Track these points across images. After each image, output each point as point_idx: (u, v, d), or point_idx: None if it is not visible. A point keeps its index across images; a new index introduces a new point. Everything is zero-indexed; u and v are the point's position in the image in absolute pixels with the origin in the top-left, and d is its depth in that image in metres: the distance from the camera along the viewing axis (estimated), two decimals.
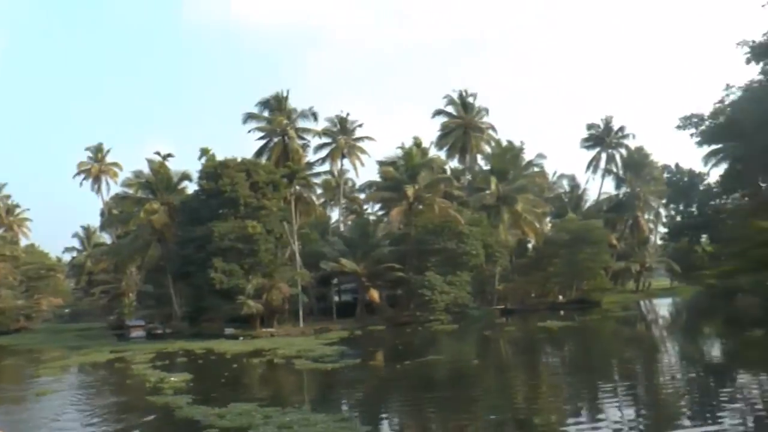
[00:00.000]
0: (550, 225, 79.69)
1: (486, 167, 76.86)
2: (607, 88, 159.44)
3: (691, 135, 47.72)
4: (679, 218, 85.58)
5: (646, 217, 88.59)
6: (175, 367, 36.95)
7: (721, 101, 21.53)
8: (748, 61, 21.02)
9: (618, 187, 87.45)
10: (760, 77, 27.65)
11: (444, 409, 22.12)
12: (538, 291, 75.80)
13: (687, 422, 17.97)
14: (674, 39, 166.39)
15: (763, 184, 49.23)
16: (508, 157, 73.80)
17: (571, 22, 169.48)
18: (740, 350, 32.91)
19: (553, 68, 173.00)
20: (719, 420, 17.58)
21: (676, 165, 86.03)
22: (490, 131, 78.63)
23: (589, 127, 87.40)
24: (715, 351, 35.14)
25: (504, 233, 68.12)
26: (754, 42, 21.09)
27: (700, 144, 50.33)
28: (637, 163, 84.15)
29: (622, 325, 55.02)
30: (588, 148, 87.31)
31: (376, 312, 62.96)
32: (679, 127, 48.41)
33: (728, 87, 21.57)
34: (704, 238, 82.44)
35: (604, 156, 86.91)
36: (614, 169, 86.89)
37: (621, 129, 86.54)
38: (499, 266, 69.15)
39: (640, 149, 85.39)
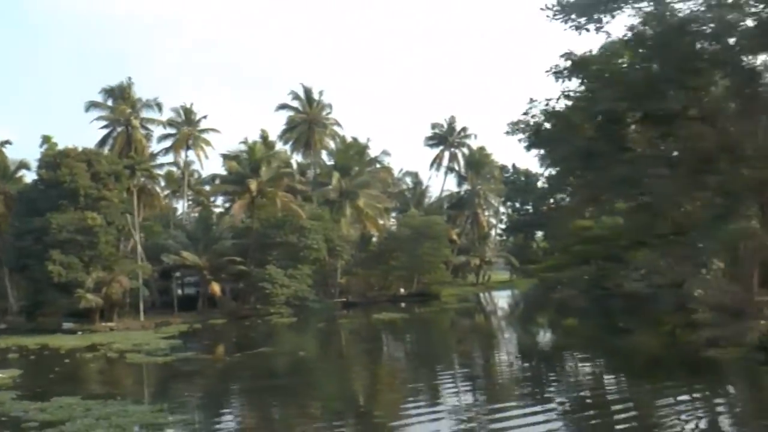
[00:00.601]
0: (393, 220, 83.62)
1: (330, 162, 79.59)
2: (453, 89, 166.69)
3: (519, 140, 52.32)
4: (515, 215, 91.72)
5: (486, 213, 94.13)
6: (5, 363, 37.12)
7: (526, 113, 24.78)
8: (556, 79, 24.43)
9: (459, 184, 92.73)
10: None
11: (265, 398, 24.09)
12: (380, 284, 79.23)
13: (519, 402, 20.33)
14: (511, 42, 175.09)
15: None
16: (351, 153, 76.74)
17: (417, 22, 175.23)
18: (561, 338, 37.07)
19: (402, 67, 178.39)
20: (547, 399, 20.60)
21: (513, 165, 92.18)
22: (335, 127, 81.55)
23: (434, 126, 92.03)
24: (545, 339, 39.00)
25: (346, 227, 71.09)
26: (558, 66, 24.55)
27: (527, 149, 55.11)
28: (478, 162, 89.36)
29: (460, 316, 59.02)
30: (432, 146, 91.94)
31: (218, 305, 64.32)
32: (507, 132, 52.86)
33: (531, 101, 24.87)
34: (539, 234, 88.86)
35: (447, 154, 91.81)
36: (456, 168, 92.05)
37: (464, 129, 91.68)
38: (341, 260, 72.01)
39: (481, 149, 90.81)
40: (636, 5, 22.07)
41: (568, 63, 24.09)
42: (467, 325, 50.87)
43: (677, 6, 21.86)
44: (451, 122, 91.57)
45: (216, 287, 62.70)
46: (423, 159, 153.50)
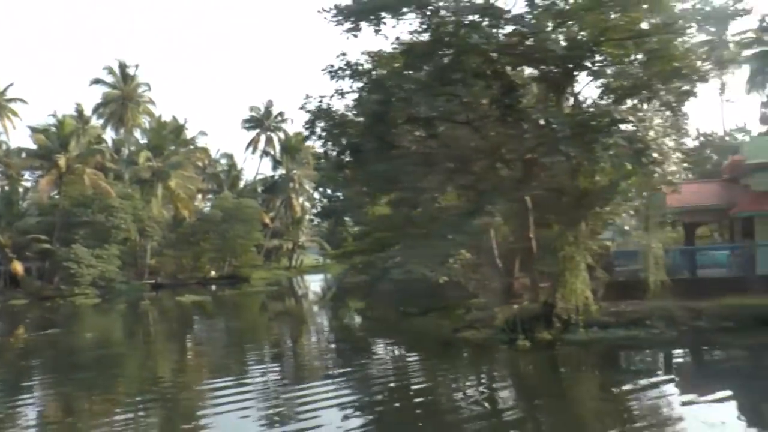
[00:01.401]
0: (208, 202, 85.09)
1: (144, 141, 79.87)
2: (272, 74, 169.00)
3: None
4: (327, 201, 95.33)
5: (300, 199, 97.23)
6: None
7: (303, 107, 27.12)
8: (331, 78, 26.77)
9: (275, 168, 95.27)
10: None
11: (47, 381, 24.48)
12: (191, 266, 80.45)
13: (323, 381, 21.12)
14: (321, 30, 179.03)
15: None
16: (165, 133, 77.47)
17: (238, 4, 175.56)
18: (362, 321, 40.14)
19: (224, 49, 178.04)
20: (348, 375, 22.38)
21: (325, 152, 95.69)
22: (149, 105, 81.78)
23: (251, 109, 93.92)
24: (348, 322, 41.54)
25: (157, 208, 72.01)
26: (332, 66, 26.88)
27: (304, 140, 57.25)
28: (293, 148, 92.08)
29: (268, 299, 61.11)
30: (248, 129, 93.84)
31: (21, 285, 63.58)
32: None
33: (307, 96, 27.31)
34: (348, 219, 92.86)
35: (263, 138, 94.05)
36: (272, 152, 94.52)
37: (280, 114, 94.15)
38: (152, 241, 72.84)
39: (297, 134, 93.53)
40: (404, 18, 25.13)
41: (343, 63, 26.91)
42: (273, 308, 53.36)
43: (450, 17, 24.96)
44: (268, 106, 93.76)
45: (18, 266, 62.02)
46: (241, 141, 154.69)
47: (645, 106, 24.59)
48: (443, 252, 26.32)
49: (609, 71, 25.11)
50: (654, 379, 20.02)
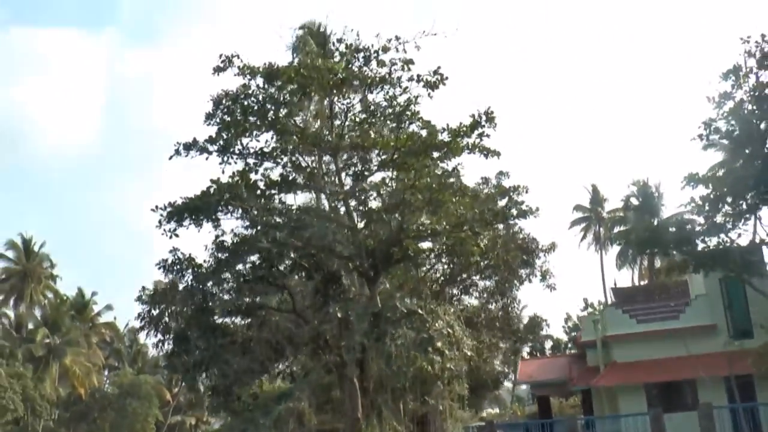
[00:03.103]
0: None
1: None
2: None
3: None
4: None
5: None
6: None
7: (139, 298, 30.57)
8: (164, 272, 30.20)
9: None
10: None
11: None
12: None
13: None
14: None
15: None
16: (65, 309, 78.89)
17: None
18: None
19: None
20: None
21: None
22: (50, 281, 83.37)
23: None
24: None
25: (51, 386, 72.42)
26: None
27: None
28: None
29: None
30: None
31: None
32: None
33: (144, 289, 30.62)
34: None
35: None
36: None
37: None
38: (43, 420, 72.66)
39: None
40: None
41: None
42: None
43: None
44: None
45: None
46: None
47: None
48: None
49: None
50: None
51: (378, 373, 27.91)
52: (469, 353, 26.63)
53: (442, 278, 34.55)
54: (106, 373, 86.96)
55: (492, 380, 43.70)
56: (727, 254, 28.78)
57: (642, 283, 56.84)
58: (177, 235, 28.32)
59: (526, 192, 31.97)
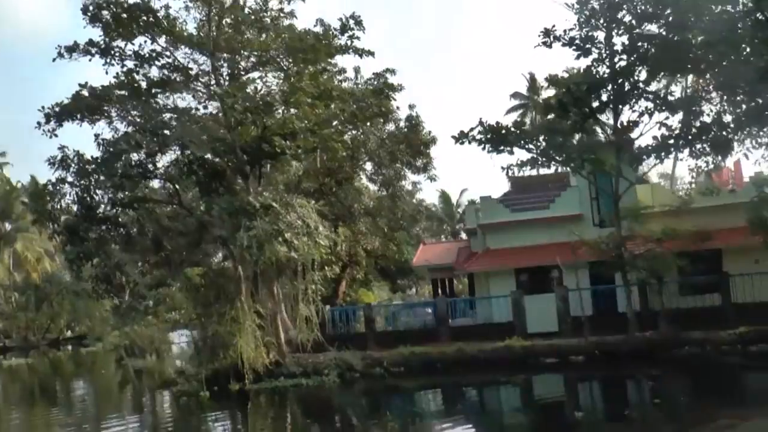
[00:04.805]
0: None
1: None
2: None
3: None
4: None
5: None
6: None
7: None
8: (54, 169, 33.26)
9: None
10: None
11: None
12: (45, 327, 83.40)
13: None
14: None
15: None
16: (15, 196, 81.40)
17: None
18: None
19: None
20: None
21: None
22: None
23: None
24: None
25: (3, 272, 75.97)
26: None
27: None
28: None
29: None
30: None
31: None
32: None
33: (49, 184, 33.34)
34: None
35: None
36: None
37: None
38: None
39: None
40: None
41: None
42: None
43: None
44: None
45: None
46: None
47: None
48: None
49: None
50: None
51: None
52: (323, 242, 29.42)
53: (320, 173, 37.07)
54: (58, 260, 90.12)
55: (395, 265, 47.21)
56: (584, 149, 31.16)
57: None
58: (56, 135, 30.90)
59: (401, 89, 34.48)
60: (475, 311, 37.60)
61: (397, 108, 37.35)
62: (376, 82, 36.89)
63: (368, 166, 40.05)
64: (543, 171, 37.70)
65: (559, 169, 37.49)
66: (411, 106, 37.76)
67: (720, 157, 30.74)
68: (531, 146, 30.01)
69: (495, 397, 28.00)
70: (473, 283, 39.78)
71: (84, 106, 30.47)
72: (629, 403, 23.87)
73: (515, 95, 75.62)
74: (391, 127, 39.81)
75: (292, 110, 31.22)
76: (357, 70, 36.95)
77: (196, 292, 31.32)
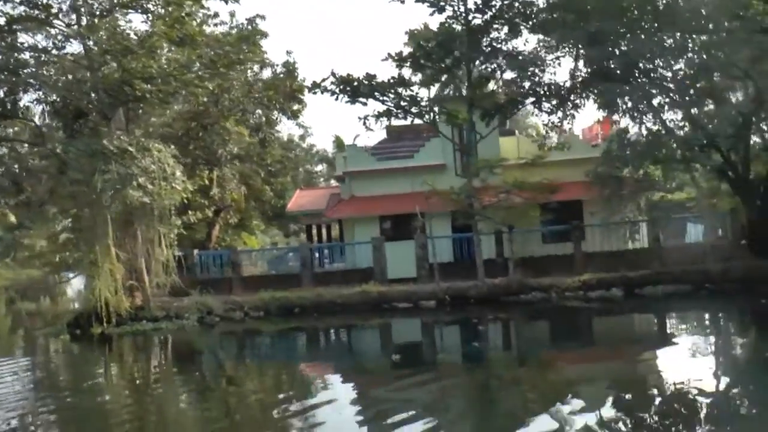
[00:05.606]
0: None
1: None
2: None
3: None
4: None
5: None
6: None
7: None
8: None
9: None
10: None
11: None
12: None
13: None
14: None
15: None
16: None
17: None
18: None
19: None
20: None
21: None
22: None
23: None
24: None
25: None
26: None
27: None
28: None
29: None
30: None
31: None
32: None
33: None
34: None
35: None
36: None
37: None
38: None
39: None
40: None
41: None
42: None
43: None
44: None
45: None
46: None
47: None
48: None
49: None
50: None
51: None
52: (179, 187, 29.83)
53: (186, 118, 37.31)
54: None
55: (272, 210, 47.89)
56: (436, 102, 32.30)
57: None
58: None
59: (266, 36, 34.87)
60: (344, 257, 38.60)
61: (265, 54, 37.65)
62: (249, 28, 37.06)
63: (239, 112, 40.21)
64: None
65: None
66: (288, 52, 38.03)
67: (564, 113, 32.16)
68: (385, 98, 30.76)
69: (335, 339, 29.53)
70: (342, 229, 40.76)
71: None
72: (446, 346, 25.84)
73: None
74: (268, 73, 40.23)
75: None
76: (232, 14, 36.98)
77: (55, 237, 31.48)
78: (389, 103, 30.96)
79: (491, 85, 32.39)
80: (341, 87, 29.97)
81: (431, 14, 30.70)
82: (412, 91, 30.81)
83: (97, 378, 23.29)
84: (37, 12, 31.96)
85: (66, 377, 23.99)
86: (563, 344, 23.39)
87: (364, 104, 30.74)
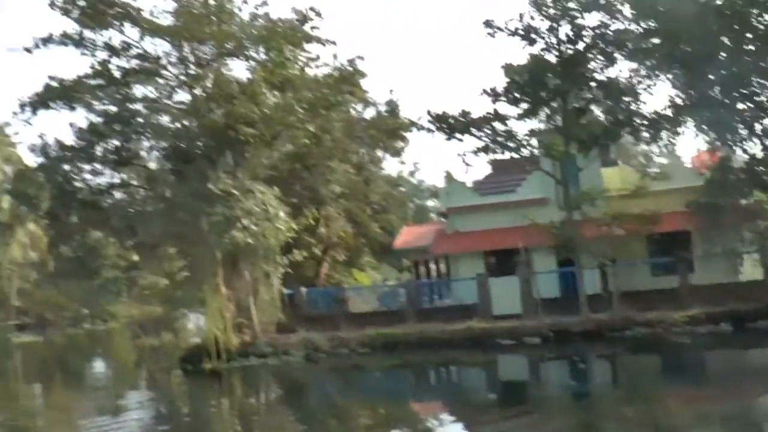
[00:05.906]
0: None
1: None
2: None
3: None
4: None
5: None
6: None
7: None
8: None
9: None
10: None
11: None
12: (62, 305, 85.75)
13: None
14: None
15: None
16: (28, 176, 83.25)
17: None
18: None
19: None
20: None
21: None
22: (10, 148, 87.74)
23: None
24: None
25: (18, 251, 78.11)
26: None
27: None
28: None
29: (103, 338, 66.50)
30: None
31: None
32: None
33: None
34: None
35: None
36: None
37: None
38: (14, 282, 78.73)
39: None
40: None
41: None
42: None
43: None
44: None
45: None
46: None
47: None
48: None
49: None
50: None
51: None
52: (284, 228, 30.81)
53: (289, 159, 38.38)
54: None
55: (380, 247, 48.44)
56: (532, 136, 32.27)
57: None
58: (31, 124, 32.71)
59: (363, 77, 35.76)
60: (450, 293, 38.69)
61: (366, 94, 38.58)
62: (350, 68, 38.04)
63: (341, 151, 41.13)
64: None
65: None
66: (391, 91, 38.87)
67: (663, 143, 31.51)
68: (481, 134, 30.97)
69: (440, 376, 29.73)
70: (449, 265, 40.88)
71: (56, 96, 32.09)
72: (553, 383, 25.50)
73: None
74: (372, 111, 41.27)
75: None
76: (335, 56, 37.88)
77: (174, 275, 32.91)
78: (485, 139, 31.13)
79: (587, 116, 31.99)
80: (437, 125, 30.40)
81: (523, 47, 30.88)
82: (507, 125, 30.92)
83: (209, 410, 24.14)
84: (148, 64, 33.82)
85: (184, 410, 25.10)
86: (675, 382, 22.51)
87: (460, 140, 31.02)
